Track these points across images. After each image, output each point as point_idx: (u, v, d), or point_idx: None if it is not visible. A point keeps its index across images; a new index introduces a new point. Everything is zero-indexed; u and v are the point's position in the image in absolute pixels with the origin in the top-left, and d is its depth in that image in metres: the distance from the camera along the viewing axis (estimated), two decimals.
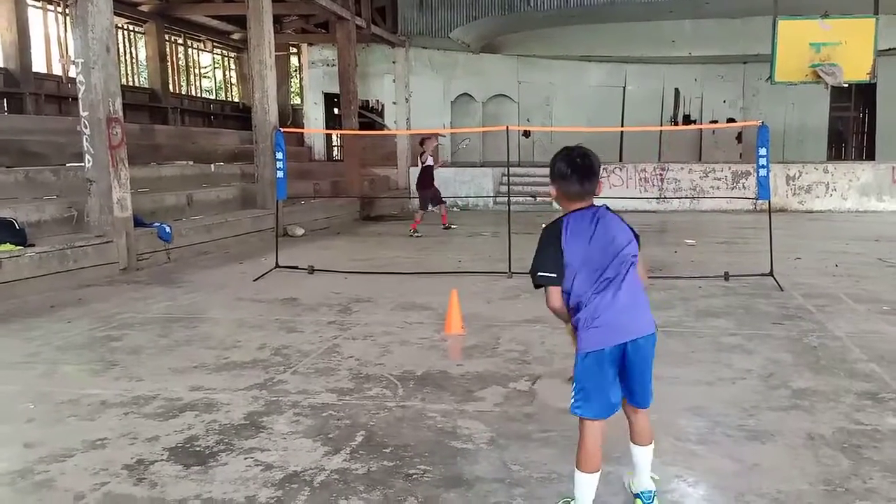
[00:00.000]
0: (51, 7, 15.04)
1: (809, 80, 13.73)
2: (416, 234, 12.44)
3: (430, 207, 13.28)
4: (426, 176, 13.01)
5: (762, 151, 8.01)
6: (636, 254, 2.83)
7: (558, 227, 2.82)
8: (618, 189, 17.45)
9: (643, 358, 2.82)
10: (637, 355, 2.79)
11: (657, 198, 17.25)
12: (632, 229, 2.88)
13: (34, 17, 14.37)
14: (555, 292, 2.80)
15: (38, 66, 14.41)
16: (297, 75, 23.76)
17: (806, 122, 22.17)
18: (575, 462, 2.87)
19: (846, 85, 14.33)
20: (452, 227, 13.44)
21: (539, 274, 2.81)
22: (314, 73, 21.24)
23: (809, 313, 6.43)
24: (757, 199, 8.22)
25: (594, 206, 2.87)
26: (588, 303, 2.76)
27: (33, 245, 7.95)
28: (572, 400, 2.86)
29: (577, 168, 2.82)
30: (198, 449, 3.61)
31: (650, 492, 2.97)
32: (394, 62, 20.13)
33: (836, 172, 17.28)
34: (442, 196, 13.49)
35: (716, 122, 22.47)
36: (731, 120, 22.29)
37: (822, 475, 3.26)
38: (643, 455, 3.00)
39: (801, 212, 16.70)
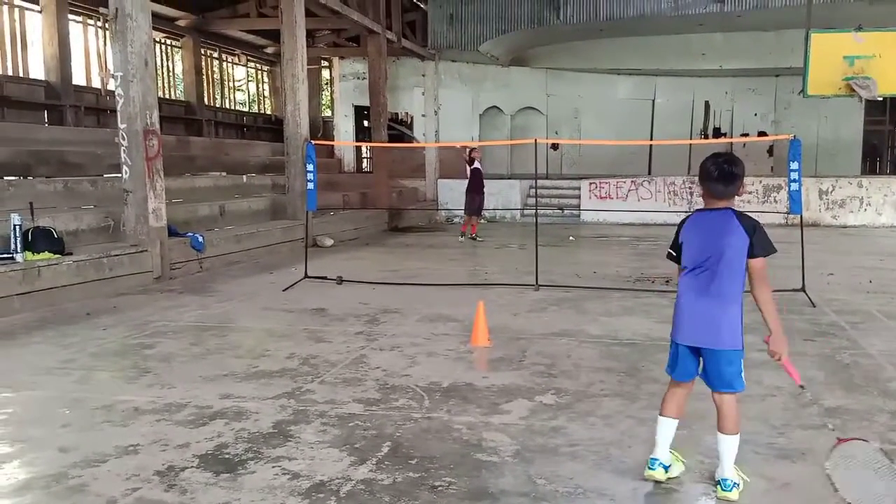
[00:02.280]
0: (91, 21, 15.45)
1: (843, 94, 13.53)
2: (476, 238, 13.36)
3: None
4: (479, 180, 13.58)
5: (794, 165, 7.92)
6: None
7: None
8: (647, 202, 17.35)
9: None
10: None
11: (687, 211, 17.03)
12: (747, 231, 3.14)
13: (75, 31, 14.77)
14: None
15: (78, 79, 14.78)
16: (329, 88, 24.04)
17: (839, 135, 21.82)
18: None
19: (881, 98, 14.12)
20: (478, 238, 13.70)
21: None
22: (345, 86, 21.48)
23: (842, 330, 6.33)
24: (789, 213, 8.11)
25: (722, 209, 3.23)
26: None
27: (71, 253, 8.14)
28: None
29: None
30: (227, 456, 3.66)
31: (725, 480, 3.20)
32: (423, 75, 20.27)
33: (871, 187, 16.98)
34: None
35: (747, 135, 22.21)
36: (762, 133, 22.02)
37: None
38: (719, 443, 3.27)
39: (835, 226, 16.42)
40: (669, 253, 3.40)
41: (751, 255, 3.10)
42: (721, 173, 3.17)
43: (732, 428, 3.20)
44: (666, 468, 3.32)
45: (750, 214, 3.22)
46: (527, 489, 3.28)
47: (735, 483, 3.18)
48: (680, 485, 3.34)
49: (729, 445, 3.20)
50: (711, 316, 3.17)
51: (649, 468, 3.32)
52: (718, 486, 3.20)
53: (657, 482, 3.31)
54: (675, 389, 3.36)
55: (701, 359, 3.24)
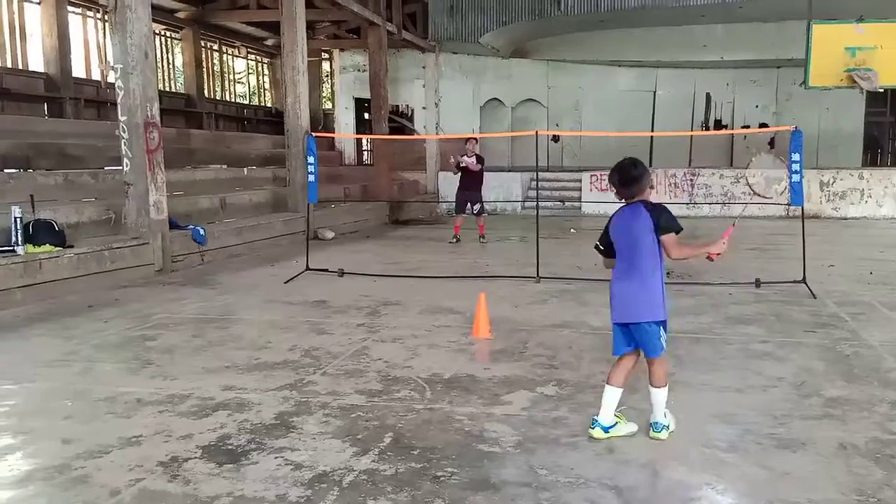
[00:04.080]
0: (90, 13, 15.41)
1: (844, 85, 13.51)
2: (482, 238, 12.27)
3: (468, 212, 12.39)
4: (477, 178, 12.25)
5: (795, 157, 7.91)
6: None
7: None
8: None
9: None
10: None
11: (687, 203, 17.08)
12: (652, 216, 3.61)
13: (74, 23, 14.73)
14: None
15: (78, 71, 14.74)
16: (329, 80, 23.99)
17: (840, 127, 21.76)
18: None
19: (882, 90, 14.10)
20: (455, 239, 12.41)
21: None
22: (345, 79, 21.43)
23: (843, 321, 6.33)
24: (790, 205, 8.12)
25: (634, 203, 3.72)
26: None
27: (72, 246, 8.14)
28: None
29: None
30: (230, 447, 3.68)
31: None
32: (424, 67, 20.23)
33: (872, 178, 16.96)
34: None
35: (748, 126, 22.16)
36: (763, 125, 21.96)
37: (855, 485, 3.22)
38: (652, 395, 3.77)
39: (836, 218, 16.42)
40: (597, 245, 3.88)
41: (658, 233, 3.58)
42: (619, 181, 3.70)
43: (659, 382, 3.69)
44: (605, 429, 3.71)
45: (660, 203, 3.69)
46: (528, 479, 3.30)
47: (664, 425, 3.70)
48: (680, 475, 3.35)
49: (658, 396, 3.70)
50: (633, 294, 3.68)
51: (590, 427, 3.75)
52: (651, 429, 3.71)
53: (594, 439, 3.69)
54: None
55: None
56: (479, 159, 12.36)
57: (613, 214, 3.80)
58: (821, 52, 13.23)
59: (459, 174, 12.35)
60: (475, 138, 12.94)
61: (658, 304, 3.63)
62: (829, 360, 5.17)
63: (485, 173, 12.54)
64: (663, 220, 3.59)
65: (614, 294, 3.77)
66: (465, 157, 12.28)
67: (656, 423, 3.74)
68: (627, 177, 3.68)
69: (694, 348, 5.49)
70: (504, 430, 3.87)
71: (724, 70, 21.92)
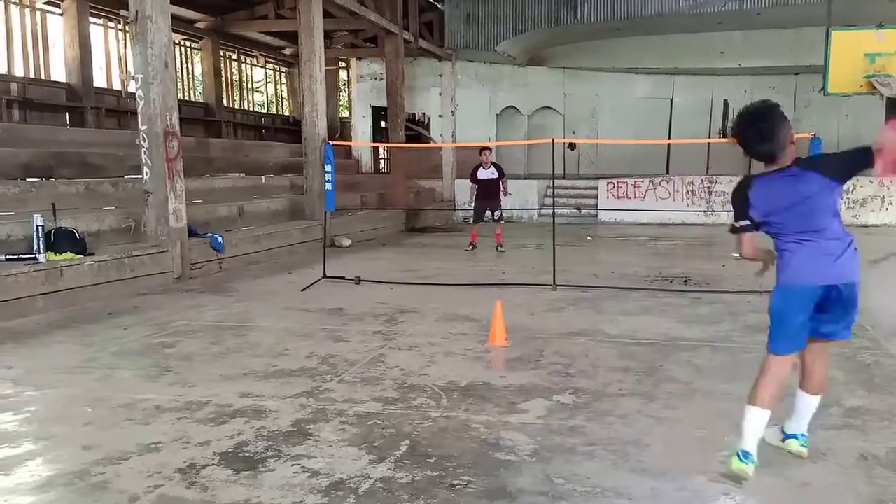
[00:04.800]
0: (111, 24, 15.63)
1: (864, 92, 13.40)
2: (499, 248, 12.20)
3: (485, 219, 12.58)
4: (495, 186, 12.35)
5: None
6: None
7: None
8: (665, 202, 17.27)
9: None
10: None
11: (705, 211, 16.99)
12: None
13: (95, 33, 14.93)
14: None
15: (99, 81, 14.95)
16: (346, 89, 24.12)
17: (860, 133, 21.44)
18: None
19: None
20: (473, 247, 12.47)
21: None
22: (362, 87, 21.56)
23: (864, 330, 6.24)
24: None
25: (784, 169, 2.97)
26: None
27: (93, 254, 8.24)
28: None
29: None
30: (247, 454, 3.70)
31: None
32: (440, 75, 20.31)
33: (893, 186, 16.76)
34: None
35: None
36: None
37: (876, 496, 3.18)
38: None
39: (856, 226, 16.22)
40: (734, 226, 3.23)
41: (840, 179, 3.01)
42: (746, 140, 2.94)
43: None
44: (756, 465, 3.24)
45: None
46: (545, 488, 3.29)
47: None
48: (698, 485, 3.33)
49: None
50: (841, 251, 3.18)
51: (741, 461, 3.19)
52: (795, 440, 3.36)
53: (742, 479, 3.22)
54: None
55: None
56: (500, 170, 12.39)
57: (752, 184, 3.08)
58: (840, 59, 13.13)
59: (477, 185, 12.45)
60: (489, 147, 12.81)
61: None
62: (850, 369, 5.11)
63: (503, 181, 12.56)
64: (834, 165, 2.95)
65: (812, 254, 3.11)
66: (482, 169, 12.32)
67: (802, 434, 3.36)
68: (752, 138, 2.91)
69: (712, 357, 5.46)
70: (520, 438, 3.87)
71: (741, 77, 21.79)
